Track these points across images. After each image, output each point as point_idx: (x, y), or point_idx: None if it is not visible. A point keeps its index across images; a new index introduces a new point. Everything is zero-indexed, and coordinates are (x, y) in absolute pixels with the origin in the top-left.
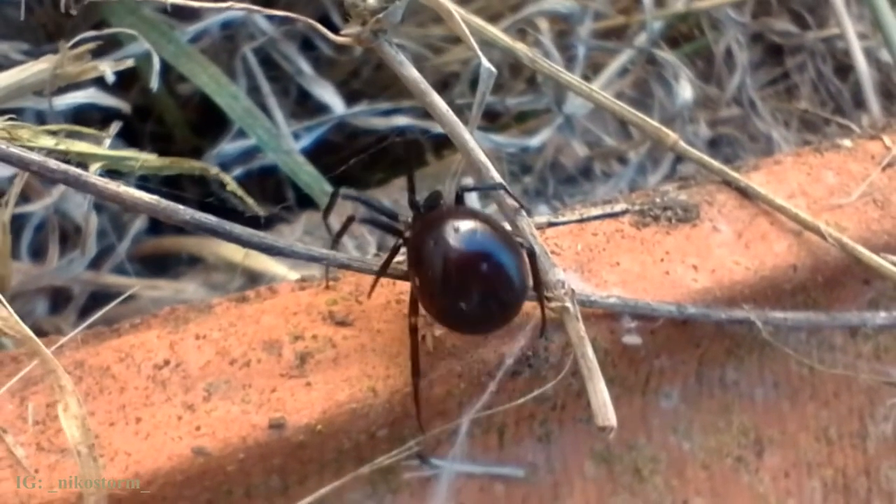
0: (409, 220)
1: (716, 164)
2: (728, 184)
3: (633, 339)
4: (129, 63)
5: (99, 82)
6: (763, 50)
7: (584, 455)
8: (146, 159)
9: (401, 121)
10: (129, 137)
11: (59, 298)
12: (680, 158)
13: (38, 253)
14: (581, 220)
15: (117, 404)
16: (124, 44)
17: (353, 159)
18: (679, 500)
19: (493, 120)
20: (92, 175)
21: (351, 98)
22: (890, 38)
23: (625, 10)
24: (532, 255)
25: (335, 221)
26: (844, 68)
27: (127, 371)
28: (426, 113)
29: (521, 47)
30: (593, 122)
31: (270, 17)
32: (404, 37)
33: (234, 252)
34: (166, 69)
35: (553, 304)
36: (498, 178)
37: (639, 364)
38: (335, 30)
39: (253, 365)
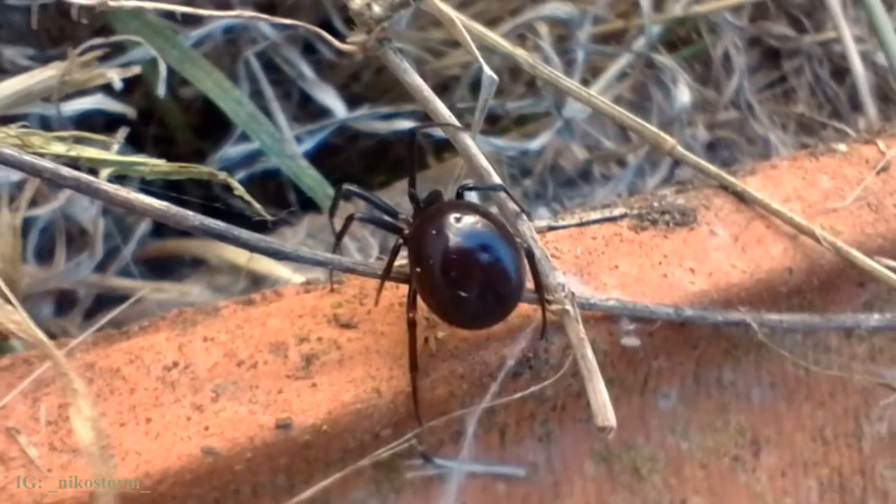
0: (410, 217)
1: (713, 168)
2: (725, 188)
3: (631, 341)
4: (137, 70)
5: (105, 88)
6: (760, 54)
7: (584, 454)
8: (155, 164)
9: (402, 124)
10: (131, 141)
11: (64, 301)
12: (678, 162)
13: (42, 256)
14: (580, 224)
15: (127, 405)
16: (128, 48)
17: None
18: (677, 498)
19: (493, 123)
20: (103, 182)
21: (351, 101)
22: (886, 41)
23: (623, 14)
24: (531, 256)
25: (337, 223)
26: (841, 72)
27: (137, 372)
28: (427, 116)
29: (521, 53)
30: (592, 125)
31: (270, 21)
32: (404, 41)
33: (237, 255)
34: (169, 73)
35: (553, 307)
36: (501, 183)
37: (637, 365)
38: (337, 34)
39: (260, 366)
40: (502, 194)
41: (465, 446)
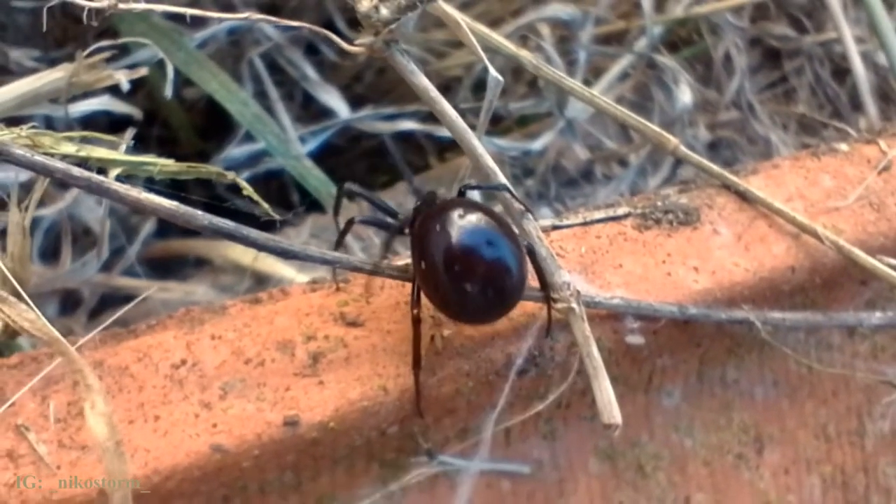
0: (410, 216)
1: (715, 168)
2: (727, 187)
3: (636, 339)
4: (145, 72)
5: (111, 89)
6: (761, 54)
7: (589, 452)
8: (164, 164)
9: (405, 125)
10: (135, 142)
11: (68, 300)
12: (680, 162)
13: (47, 255)
14: (584, 224)
15: (136, 403)
16: (132, 49)
17: None
18: (681, 496)
19: (495, 123)
20: (113, 182)
21: (354, 102)
22: (886, 41)
23: (625, 15)
24: (532, 253)
25: (341, 221)
26: (842, 72)
27: (145, 370)
28: (430, 116)
29: (525, 54)
30: (594, 125)
31: (277, 24)
32: (408, 42)
33: (241, 255)
34: (175, 75)
35: (559, 306)
36: (505, 183)
37: (641, 363)
38: (340, 35)
39: (267, 364)
40: (506, 194)
41: (482, 448)
